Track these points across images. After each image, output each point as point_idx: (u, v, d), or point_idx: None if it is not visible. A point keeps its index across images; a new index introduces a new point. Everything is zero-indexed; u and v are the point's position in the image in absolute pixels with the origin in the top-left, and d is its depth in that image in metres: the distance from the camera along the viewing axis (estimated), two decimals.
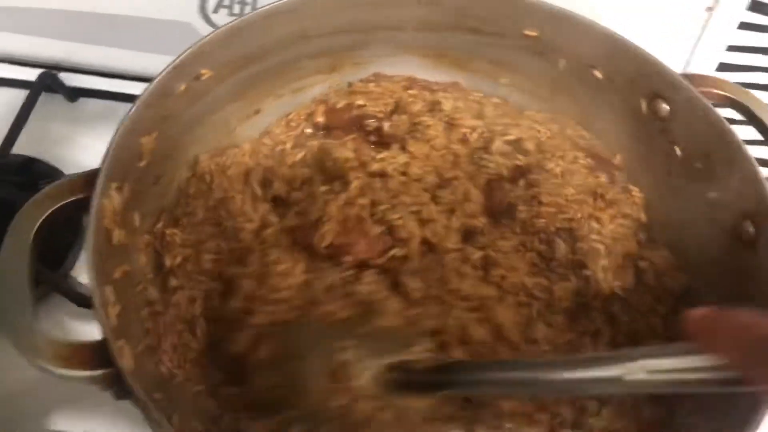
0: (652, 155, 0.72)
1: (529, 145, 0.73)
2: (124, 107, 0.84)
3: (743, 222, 0.63)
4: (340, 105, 0.75)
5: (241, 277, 0.64)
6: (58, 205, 0.55)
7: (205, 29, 0.88)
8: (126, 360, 0.50)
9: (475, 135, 0.73)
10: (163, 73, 0.62)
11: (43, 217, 0.54)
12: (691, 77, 0.68)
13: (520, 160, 0.72)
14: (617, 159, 0.75)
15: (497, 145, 0.72)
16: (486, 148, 0.73)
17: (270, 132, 0.75)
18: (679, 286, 0.67)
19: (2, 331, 0.49)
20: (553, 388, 0.50)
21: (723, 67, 0.93)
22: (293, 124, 0.76)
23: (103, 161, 0.56)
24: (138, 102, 0.60)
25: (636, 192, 0.73)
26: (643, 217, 0.72)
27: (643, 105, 0.71)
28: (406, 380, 0.55)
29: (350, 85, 0.78)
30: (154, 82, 0.61)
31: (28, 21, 0.88)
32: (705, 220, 0.67)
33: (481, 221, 0.68)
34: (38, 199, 0.54)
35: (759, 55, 0.92)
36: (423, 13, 0.74)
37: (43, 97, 0.89)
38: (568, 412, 0.61)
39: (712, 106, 0.66)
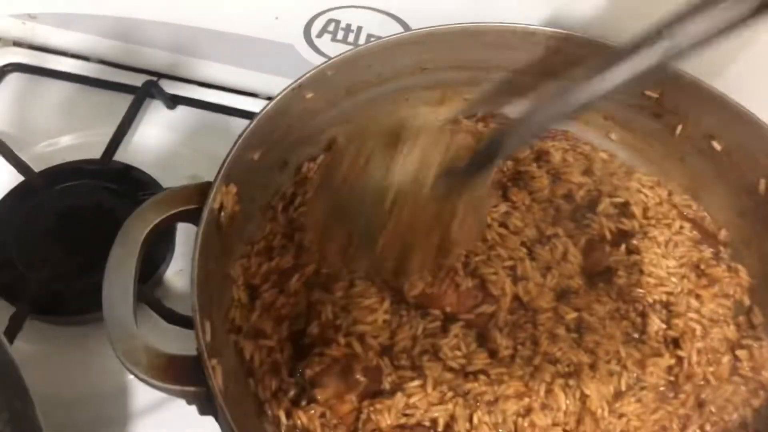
0: (763, 237, 0.68)
1: (636, 210, 0.70)
2: (220, 118, 0.87)
3: None
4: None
5: (325, 303, 0.63)
6: (169, 213, 0.54)
7: (307, 53, 0.88)
8: (218, 379, 0.49)
9: (581, 192, 0.70)
10: (285, 92, 0.62)
11: (154, 224, 0.54)
12: None
13: (625, 224, 0.69)
14: (722, 234, 0.71)
15: (604, 206, 0.69)
16: (591, 207, 0.70)
17: None
18: None
19: (106, 333, 0.48)
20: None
21: None
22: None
23: (218, 173, 0.56)
24: (258, 118, 0.60)
25: (743, 272, 0.69)
26: (746, 300, 0.68)
27: (762, 184, 0.67)
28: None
29: (457, 121, 0.76)
30: (276, 99, 0.62)
31: (138, 31, 0.90)
32: None
33: (577, 282, 0.66)
34: (149, 206, 0.55)
35: None
36: (542, 57, 0.72)
37: (146, 104, 0.90)
38: None
39: None
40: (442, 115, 0.77)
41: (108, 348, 0.67)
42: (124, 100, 0.88)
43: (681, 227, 0.71)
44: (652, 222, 0.70)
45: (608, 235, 0.69)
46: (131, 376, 0.68)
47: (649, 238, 0.69)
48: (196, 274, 0.51)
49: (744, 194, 0.70)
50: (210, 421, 0.53)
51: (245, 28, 0.87)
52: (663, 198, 0.72)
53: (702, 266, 0.69)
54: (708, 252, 0.70)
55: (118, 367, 0.66)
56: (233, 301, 0.62)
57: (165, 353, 0.49)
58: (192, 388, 0.48)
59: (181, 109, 0.90)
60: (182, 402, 0.62)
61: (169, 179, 0.79)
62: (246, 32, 0.87)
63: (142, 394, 0.68)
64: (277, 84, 0.64)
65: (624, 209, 0.70)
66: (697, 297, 0.67)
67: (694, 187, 0.74)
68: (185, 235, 0.75)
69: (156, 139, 0.86)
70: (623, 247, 0.68)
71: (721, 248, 0.71)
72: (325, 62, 0.65)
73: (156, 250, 0.73)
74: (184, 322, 0.68)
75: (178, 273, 0.75)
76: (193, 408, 0.52)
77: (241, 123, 0.67)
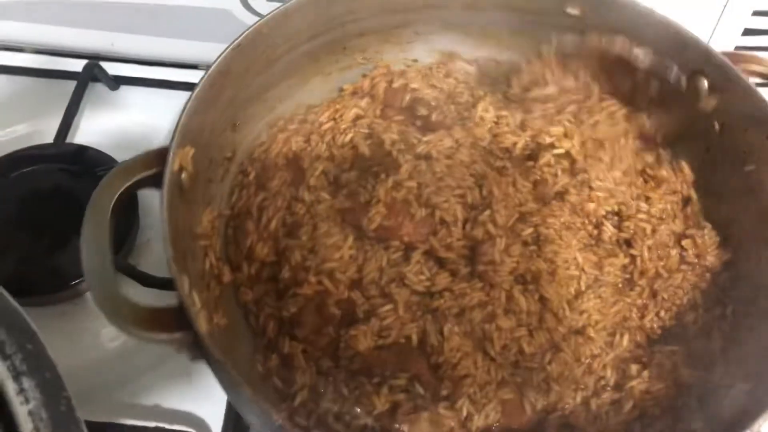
0: (692, 132, 0.74)
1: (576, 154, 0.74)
2: (165, 93, 0.90)
3: None
4: (396, 84, 0.77)
5: (293, 248, 0.67)
6: (134, 180, 0.58)
7: (245, 16, 0.91)
8: (202, 323, 0.53)
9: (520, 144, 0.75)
10: (224, 53, 0.65)
11: (120, 191, 0.57)
12: (730, 55, 0.70)
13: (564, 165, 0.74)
14: (659, 137, 0.76)
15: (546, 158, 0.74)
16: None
17: (322, 108, 0.78)
18: (720, 262, 0.70)
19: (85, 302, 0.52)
20: None
21: (748, 32, 0.94)
22: (348, 96, 0.79)
23: (172, 139, 0.59)
24: (201, 82, 0.63)
25: (686, 168, 0.74)
26: (693, 194, 0.74)
27: (683, 82, 0.72)
28: None
29: (415, 62, 0.82)
30: (217, 61, 0.64)
31: (71, 13, 0.91)
32: (743, 194, 0.69)
33: (530, 207, 0.71)
34: (114, 175, 0.58)
35: None
36: None
37: (89, 87, 0.92)
38: (612, 374, 0.64)
39: (750, 83, 0.68)
40: (382, 62, 0.80)
41: (88, 321, 0.72)
42: (68, 87, 0.90)
43: (623, 141, 0.76)
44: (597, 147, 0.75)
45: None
46: (114, 345, 0.73)
47: (594, 158, 0.74)
48: (167, 231, 0.55)
49: (670, 94, 0.74)
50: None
51: None
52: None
53: (648, 170, 0.74)
54: (650, 157, 0.75)
55: (100, 338, 0.72)
56: (206, 256, 0.66)
57: (149, 307, 0.53)
58: (179, 334, 0.52)
59: (125, 89, 0.93)
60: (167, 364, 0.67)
61: (124, 155, 0.80)
62: (181, 2, 0.89)
63: (129, 360, 0.72)
64: (217, 52, 0.66)
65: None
66: (647, 199, 0.73)
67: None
68: (148, 206, 0.79)
69: (105, 120, 0.90)
70: (570, 172, 0.73)
71: (661, 151, 0.76)
72: (260, 19, 0.68)
73: (122, 223, 0.76)
74: (160, 284, 0.72)
75: (146, 242, 0.79)
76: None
77: (184, 94, 0.70)
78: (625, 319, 0.69)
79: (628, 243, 0.72)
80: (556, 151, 0.74)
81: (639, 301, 0.70)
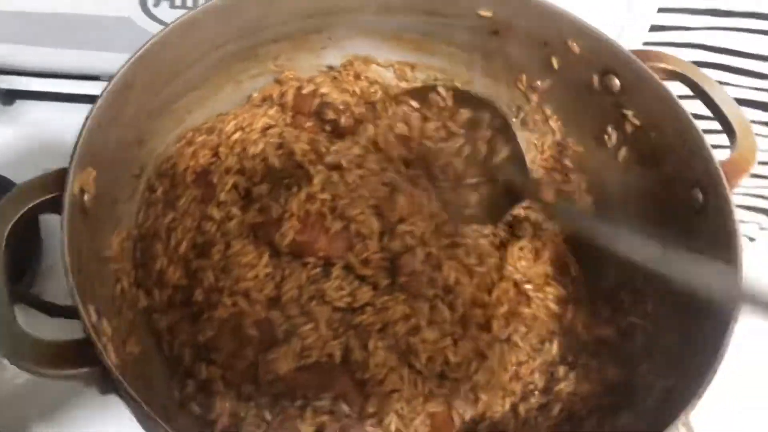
0: (603, 131, 0.76)
1: None
2: (65, 107, 0.86)
3: (692, 190, 0.67)
4: (305, 90, 0.76)
5: (205, 269, 0.66)
6: (28, 206, 0.56)
7: (146, 23, 0.89)
8: (111, 356, 0.51)
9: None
10: (128, 64, 0.63)
11: (14, 220, 0.55)
12: (640, 53, 0.72)
13: None
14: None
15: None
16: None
17: (232, 117, 0.76)
18: None
19: None
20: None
21: (654, 27, 0.96)
22: (257, 104, 0.78)
23: (72, 158, 0.57)
24: (102, 97, 0.61)
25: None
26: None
27: (596, 80, 0.74)
28: None
29: (330, 68, 0.81)
30: (119, 73, 0.63)
31: None
32: (656, 192, 0.71)
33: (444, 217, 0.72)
34: (5, 203, 0.56)
35: (687, 15, 0.95)
36: None
37: None
38: (539, 378, 0.65)
39: (660, 81, 0.70)
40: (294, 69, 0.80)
41: None
42: None
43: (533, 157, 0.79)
44: None
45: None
46: (20, 381, 0.70)
47: None
48: (68, 261, 0.53)
49: (584, 93, 0.76)
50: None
51: (77, 5, 0.86)
52: None
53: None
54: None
55: (4, 374, 0.69)
56: (117, 281, 0.64)
57: (53, 342, 0.52)
58: (86, 369, 0.51)
59: (20, 104, 0.89)
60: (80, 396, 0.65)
61: (23, 176, 0.77)
62: (79, 10, 0.87)
63: (38, 395, 0.70)
64: (118, 61, 0.65)
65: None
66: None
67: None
68: (51, 228, 0.76)
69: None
70: None
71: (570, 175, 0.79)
72: (165, 28, 0.66)
73: (23, 249, 0.73)
74: (65, 312, 0.69)
75: (50, 267, 0.77)
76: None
77: (86, 108, 0.67)
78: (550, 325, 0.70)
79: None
80: None
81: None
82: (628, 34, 0.92)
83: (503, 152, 0.72)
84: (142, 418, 0.55)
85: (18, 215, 0.55)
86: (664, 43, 0.94)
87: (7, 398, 0.70)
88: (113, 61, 0.64)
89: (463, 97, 0.76)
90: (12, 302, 0.53)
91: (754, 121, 0.98)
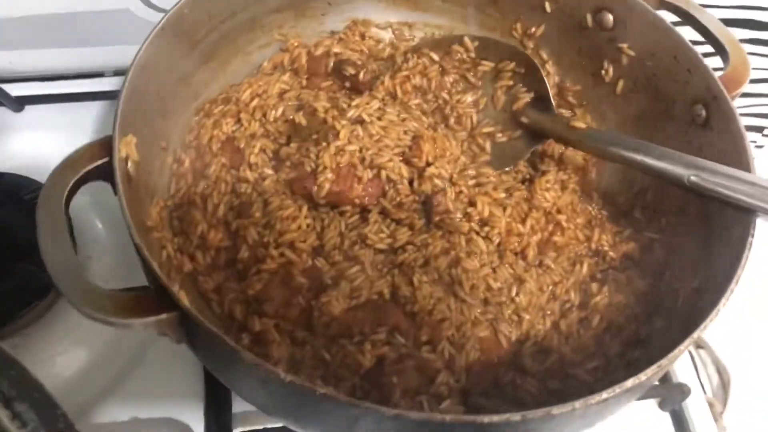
0: (600, 67, 0.80)
1: None
2: (73, 107, 0.87)
3: (694, 107, 0.72)
4: (318, 52, 0.79)
5: (247, 227, 0.68)
6: (84, 171, 0.58)
7: (145, 13, 0.91)
8: (184, 299, 0.53)
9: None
10: (149, 38, 0.66)
11: (71, 184, 0.57)
12: None
13: None
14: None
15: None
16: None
17: (246, 86, 0.79)
18: None
19: (62, 293, 0.51)
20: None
21: None
22: (268, 72, 0.80)
23: (114, 125, 0.59)
24: (132, 68, 0.64)
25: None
26: None
27: (589, 18, 0.78)
28: None
29: (332, 33, 0.84)
30: (142, 47, 0.65)
31: None
32: (658, 115, 0.76)
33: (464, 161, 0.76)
34: (61, 169, 0.58)
35: None
36: None
37: None
38: (575, 296, 0.68)
39: (653, 10, 0.74)
40: (295, 36, 0.82)
41: (39, 352, 0.71)
42: None
43: None
44: None
45: None
46: (69, 373, 0.71)
47: None
48: (129, 219, 0.55)
49: (577, 33, 0.81)
50: None
51: (76, 3, 0.88)
52: None
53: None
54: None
55: (55, 368, 0.71)
56: (162, 248, 0.66)
57: (124, 293, 0.53)
58: (165, 315, 0.52)
59: (30, 109, 0.90)
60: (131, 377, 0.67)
61: (43, 176, 0.79)
62: (78, 8, 0.88)
63: (88, 383, 0.72)
64: (123, 54, 0.66)
65: None
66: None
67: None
68: (82, 224, 0.79)
69: (15, 143, 0.88)
70: None
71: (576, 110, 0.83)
72: (177, 4, 0.69)
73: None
74: None
75: (85, 260, 0.78)
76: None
77: (94, 105, 0.68)
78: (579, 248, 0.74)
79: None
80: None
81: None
82: None
83: (525, 97, 0.76)
84: (218, 358, 0.57)
85: (74, 179, 0.57)
86: None
87: (60, 390, 0.70)
88: (119, 54, 0.65)
89: (487, 47, 0.79)
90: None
91: (741, 40, 1.03)
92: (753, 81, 1.05)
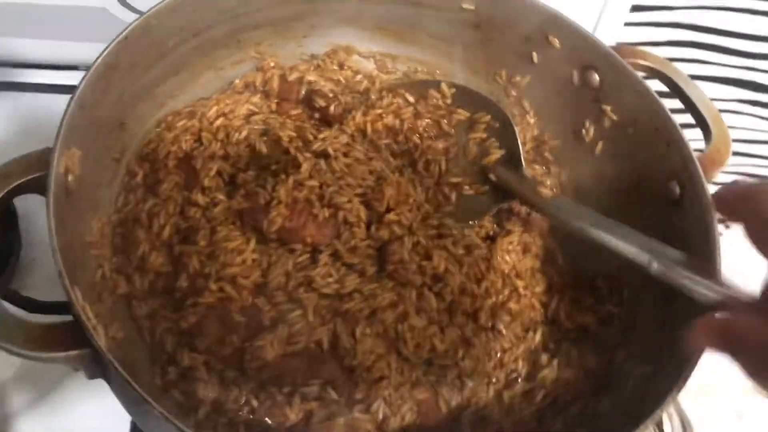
0: (581, 125, 0.78)
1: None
2: (40, 98, 0.84)
3: (669, 182, 0.69)
4: (291, 77, 0.76)
5: (190, 254, 0.65)
6: (12, 185, 0.55)
7: (122, 13, 0.89)
8: (100, 338, 0.50)
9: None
10: (111, 45, 0.63)
11: None
12: (619, 49, 0.74)
13: None
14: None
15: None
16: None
17: (214, 103, 0.75)
18: None
19: None
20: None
21: (636, 8, 0.97)
22: (239, 91, 0.77)
23: (57, 137, 0.56)
24: (87, 76, 0.61)
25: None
26: None
27: (575, 75, 0.75)
28: None
29: (313, 57, 0.81)
30: (103, 54, 0.62)
31: None
32: (633, 184, 0.73)
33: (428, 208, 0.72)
34: None
35: (662, 12, 0.98)
36: None
37: None
38: (523, 366, 0.66)
39: (639, 76, 0.72)
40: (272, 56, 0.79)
41: None
42: None
43: None
44: None
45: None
46: (6, 375, 0.68)
47: None
48: (56, 241, 0.52)
49: (562, 88, 0.78)
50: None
51: None
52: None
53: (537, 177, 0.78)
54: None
55: None
56: (99, 267, 0.63)
57: (40, 323, 0.50)
58: (76, 352, 0.49)
59: (1, 95, 0.86)
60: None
61: None
62: (55, 1, 0.85)
63: (26, 385, 0.69)
64: (95, 51, 0.63)
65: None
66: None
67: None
68: (31, 222, 0.75)
69: None
70: None
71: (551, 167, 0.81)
72: (149, 11, 0.66)
73: (1, 243, 0.71)
74: (46, 309, 0.68)
75: (30, 263, 0.74)
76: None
77: (63, 98, 0.65)
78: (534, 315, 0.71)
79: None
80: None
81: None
82: (609, 15, 0.93)
83: (496, 153, 0.73)
84: (131, 402, 0.54)
85: (2, 194, 0.53)
86: (646, 23, 0.96)
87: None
88: (90, 50, 0.63)
89: (465, 96, 0.77)
90: None
91: (740, 100, 1.01)
92: (748, 142, 1.04)
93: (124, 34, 0.63)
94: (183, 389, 0.61)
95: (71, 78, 0.88)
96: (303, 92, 0.77)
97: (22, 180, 0.55)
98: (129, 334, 0.62)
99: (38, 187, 0.55)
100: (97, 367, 0.52)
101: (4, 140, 0.82)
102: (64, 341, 0.50)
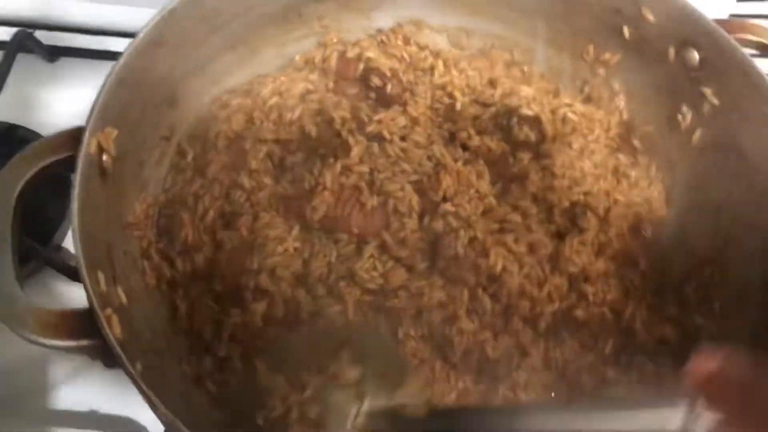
0: (677, 110, 0.69)
1: (547, 123, 0.70)
2: (106, 65, 0.83)
3: None
4: (350, 54, 0.71)
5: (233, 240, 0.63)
6: (41, 165, 0.53)
7: None
8: (115, 328, 0.48)
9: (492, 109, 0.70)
10: (155, 20, 0.60)
11: (25, 180, 0.53)
12: (725, 23, 0.64)
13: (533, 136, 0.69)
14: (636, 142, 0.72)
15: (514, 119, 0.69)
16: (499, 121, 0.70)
17: (271, 81, 0.72)
18: None
19: None
20: None
21: None
22: (299, 68, 0.73)
23: (89, 117, 0.54)
24: (125, 55, 0.58)
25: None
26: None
27: (671, 53, 0.66)
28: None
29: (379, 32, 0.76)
30: (144, 31, 0.59)
31: None
32: (733, 184, 0.64)
33: (490, 197, 0.66)
34: (17, 161, 0.53)
35: None
36: None
37: (20, 58, 0.85)
38: (588, 380, 0.60)
39: (747, 55, 0.62)
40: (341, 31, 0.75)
41: None
42: None
43: (598, 136, 0.71)
44: (567, 130, 0.70)
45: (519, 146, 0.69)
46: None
47: (562, 143, 0.69)
48: (77, 224, 0.50)
49: (657, 66, 0.69)
50: None
51: None
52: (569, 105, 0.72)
53: (621, 169, 0.70)
54: (625, 158, 0.71)
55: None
56: (142, 250, 0.61)
57: (55, 310, 0.49)
58: (86, 342, 0.47)
59: (64, 61, 0.87)
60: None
61: None
62: None
63: (59, 362, 0.67)
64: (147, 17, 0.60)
65: (533, 123, 0.70)
66: (615, 202, 0.68)
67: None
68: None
69: (39, 94, 0.83)
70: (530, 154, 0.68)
71: (639, 157, 0.72)
72: None
73: (53, 209, 0.71)
74: None
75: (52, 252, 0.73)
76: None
77: None
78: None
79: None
80: (524, 112, 0.69)
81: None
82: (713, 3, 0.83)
83: None
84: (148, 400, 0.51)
85: (28, 175, 0.52)
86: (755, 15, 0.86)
87: (28, 364, 0.67)
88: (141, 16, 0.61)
89: None
90: (28, 272, 0.50)
91: None
92: None
93: (170, 6, 0.61)
94: (217, 380, 0.59)
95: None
96: (360, 69, 0.72)
97: (49, 161, 0.53)
98: (163, 321, 0.60)
99: (69, 167, 0.54)
100: (113, 357, 0.49)
101: (68, 109, 0.81)
102: (79, 330, 0.48)
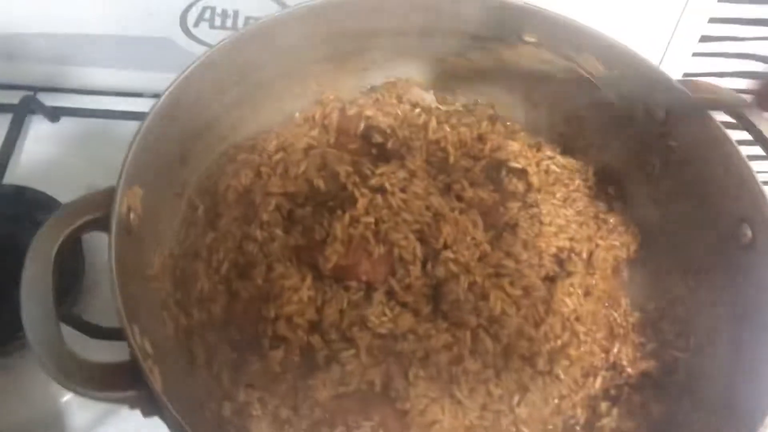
0: (647, 163, 0.76)
1: (534, 175, 0.76)
2: (107, 123, 0.87)
3: (740, 225, 0.66)
4: (350, 112, 0.76)
5: (246, 289, 0.66)
6: (78, 223, 0.55)
7: (186, 44, 0.91)
8: (156, 378, 0.51)
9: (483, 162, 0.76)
10: (175, 84, 0.64)
11: (65, 236, 0.55)
12: (687, 83, 0.71)
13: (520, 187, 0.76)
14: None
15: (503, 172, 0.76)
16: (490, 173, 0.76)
17: (274, 136, 0.76)
18: None
19: (32, 355, 0.49)
20: None
21: (704, 38, 0.96)
22: (299, 124, 0.78)
23: (120, 177, 0.57)
24: (150, 115, 0.62)
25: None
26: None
27: (640, 112, 0.73)
28: None
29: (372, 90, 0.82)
30: (166, 92, 0.63)
31: (5, 45, 0.89)
32: (699, 227, 0.71)
33: (487, 247, 0.71)
34: (56, 219, 0.56)
35: (730, 42, 0.95)
36: (421, 20, 0.76)
37: (26, 121, 0.89)
38: (581, 413, 0.64)
39: (708, 112, 0.69)
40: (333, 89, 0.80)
41: (36, 375, 0.68)
42: (3, 120, 0.87)
43: (578, 185, 0.77)
44: (551, 180, 0.77)
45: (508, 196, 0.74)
46: (64, 399, 0.70)
47: (547, 192, 0.75)
48: (116, 281, 0.53)
49: (626, 124, 0.76)
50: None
51: (119, 27, 0.88)
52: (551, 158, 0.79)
53: (600, 215, 0.77)
54: (603, 205, 0.78)
55: (49, 392, 0.68)
56: (161, 301, 0.64)
57: (98, 363, 0.51)
58: (133, 393, 0.50)
59: (66, 121, 0.90)
60: (120, 414, 0.65)
61: (66, 194, 0.77)
62: (121, 32, 0.88)
63: (79, 414, 0.70)
64: (160, 80, 0.65)
65: (521, 175, 0.76)
66: (597, 246, 0.74)
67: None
68: (93, 246, 0.76)
69: (44, 155, 0.87)
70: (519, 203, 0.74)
71: (614, 203, 0.79)
72: (211, 48, 0.67)
73: (66, 267, 0.72)
74: (108, 334, 0.69)
75: (93, 286, 0.76)
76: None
77: (129, 124, 0.66)
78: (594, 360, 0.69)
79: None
80: (512, 164, 0.75)
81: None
82: (678, 45, 0.91)
83: None
84: None
85: (67, 232, 0.55)
86: (714, 54, 0.94)
87: (54, 415, 0.69)
88: (155, 79, 0.64)
89: None
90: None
91: None
92: None
93: (188, 70, 0.65)
94: (238, 425, 0.62)
95: (139, 105, 0.90)
96: (362, 127, 0.77)
97: (85, 219, 0.56)
98: (185, 370, 0.63)
99: (101, 225, 0.57)
100: (154, 406, 0.52)
101: (73, 168, 0.84)
102: (122, 381, 0.50)
